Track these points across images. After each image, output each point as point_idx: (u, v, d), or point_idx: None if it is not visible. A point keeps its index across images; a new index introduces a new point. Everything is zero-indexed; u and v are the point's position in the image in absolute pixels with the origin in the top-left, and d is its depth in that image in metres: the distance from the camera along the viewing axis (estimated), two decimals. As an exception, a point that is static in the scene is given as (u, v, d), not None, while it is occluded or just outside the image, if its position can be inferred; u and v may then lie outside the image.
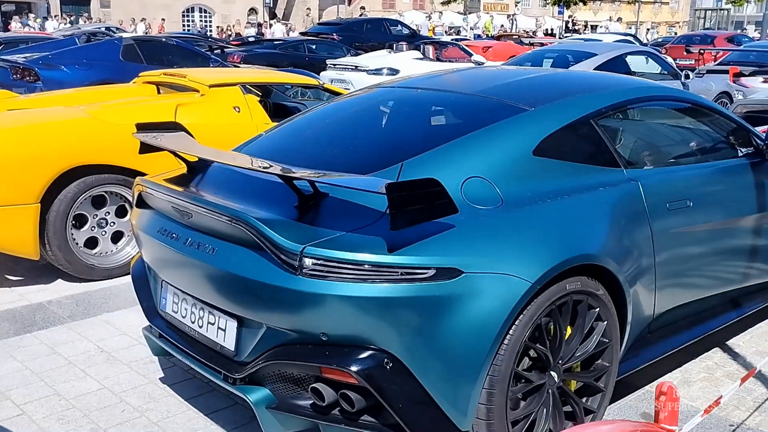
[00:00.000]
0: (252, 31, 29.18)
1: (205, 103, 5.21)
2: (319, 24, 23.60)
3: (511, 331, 2.41)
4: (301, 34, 22.68)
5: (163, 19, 35.48)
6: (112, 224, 4.70)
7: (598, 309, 2.71)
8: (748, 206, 3.48)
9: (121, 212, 4.73)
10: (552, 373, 2.63)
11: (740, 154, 3.56)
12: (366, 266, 2.28)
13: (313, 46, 16.74)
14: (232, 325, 2.60)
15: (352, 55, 15.53)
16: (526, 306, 2.43)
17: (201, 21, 41.53)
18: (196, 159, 3.13)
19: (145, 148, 3.25)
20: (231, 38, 24.71)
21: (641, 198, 2.95)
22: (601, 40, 17.12)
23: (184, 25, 39.52)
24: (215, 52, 14.10)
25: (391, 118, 3.25)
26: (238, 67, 11.18)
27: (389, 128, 3.16)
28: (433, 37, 26.63)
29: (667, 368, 3.51)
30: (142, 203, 3.07)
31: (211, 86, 5.33)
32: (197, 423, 3.02)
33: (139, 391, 3.27)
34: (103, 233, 4.68)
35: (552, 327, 2.58)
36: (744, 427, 3.04)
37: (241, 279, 2.45)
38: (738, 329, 3.93)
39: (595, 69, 8.87)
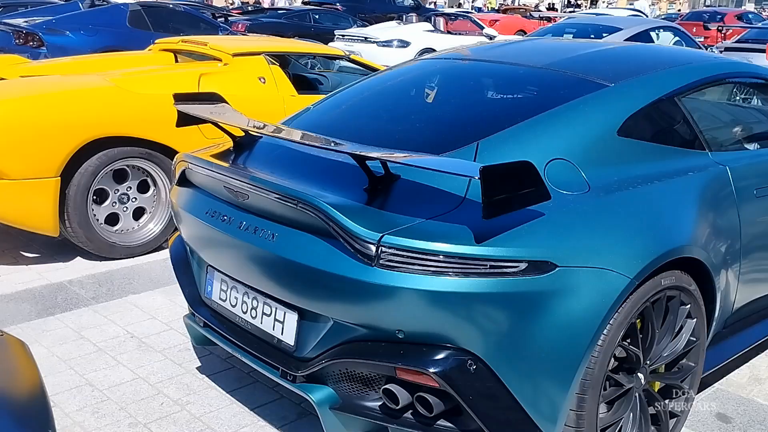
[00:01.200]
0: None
1: (230, 73, 4.93)
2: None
3: (605, 331, 2.19)
4: (305, 3, 22.19)
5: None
6: (133, 200, 4.45)
7: (689, 306, 2.49)
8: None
9: (142, 187, 4.48)
10: (639, 374, 2.41)
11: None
12: (450, 258, 2.04)
13: (318, 16, 16.35)
14: (292, 317, 2.37)
15: (358, 26, 15.16)
16: (623, 303, 2.20)
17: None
18: (243, 134, 2.88)
19: (184, 121, 2.99)
20: (232, 6, 24.20)
21: (730, 183, 2.73)
22: (611, 15, 16.77)
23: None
24: (219, 20, 13.71)
25: (455, 93, 2.99)
26: (245, 35, 10.83)
27: (455, 104, 2.90)
28: (434, 8, 26.18)
29: (735, 365, 3.31)
30: (184, 181, 2.81)
31: (234, 55, 5.05)
32: (243, 419, 2.81)
33: (177, 382, 3.05)
34: (125, 209, 4.43)
35: (645, 326, 2.36)
36: (828, 431, 2.84)
37: (306, 268, 2.21)
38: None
39: (621, 44, 8.59)
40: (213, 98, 3.17)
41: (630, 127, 2.60)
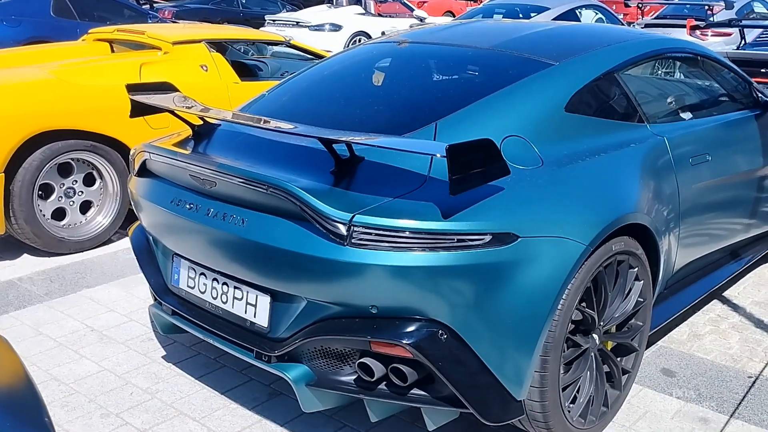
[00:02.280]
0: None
1: (171, 62, 4.89)
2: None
3: (564, 296, 2.33)
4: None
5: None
6: (80, 193, 4.39)
7: (637, 269, 2.67)
8: (754, 159, 3.50)
9: (88, 180, 4.42)
10: (594, 335, 2.58)
11: (744, 107, 3.56)
12: (418, 234, 2.14)
13: (246, 1, 16.13)
14: (265, 300, 2.43)
15: (288, 10, 15.05)
16: (579, 269, 2.35)
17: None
18: (201, 122, 2.91)
19: (138, 111, 2.99)
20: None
21: (668, 153, 2.92)
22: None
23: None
24: (143, 6, 13.39)
25: (409, 75, 3.07)
26: (176, 23, 10.63)
27: (411, 86, 2.99)
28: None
29: (675, 324, 3.54)
30: (145, 171, 2.82)
31: (174, 43, 5.01)
32: (215, 402, 2.86)
33: (144, 372, 3.07)
34: (71, 203, 4.36)
35: (599, 289, 2.51)
36: (762, 378, 3.09)
37: (278, 251, 2.27)
38: (731, 281, 4.01)
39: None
40: (166, 87, 3.17)
41: (575, 103, 2.74)
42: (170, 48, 4.99)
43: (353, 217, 2.14)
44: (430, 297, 2.19)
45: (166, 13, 13.78)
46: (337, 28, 11.90)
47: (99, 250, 4.41)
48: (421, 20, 12.39)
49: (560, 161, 2.51)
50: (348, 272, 2.17)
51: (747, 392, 2.98)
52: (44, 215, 4.22)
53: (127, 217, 4.54)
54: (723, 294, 3.88)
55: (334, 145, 2.32)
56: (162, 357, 3.19)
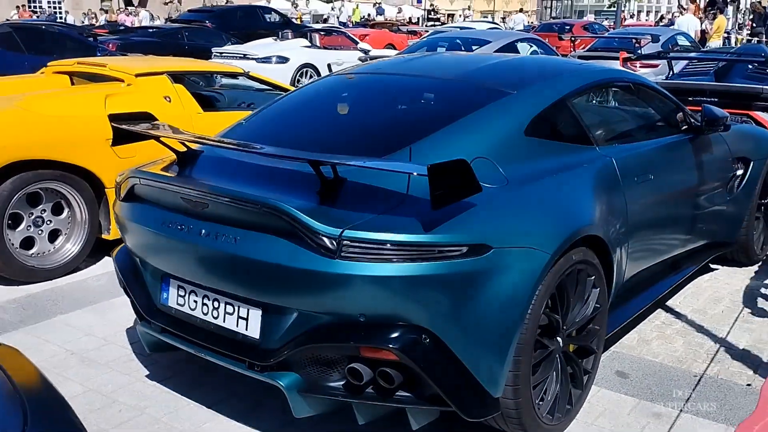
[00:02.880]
0: (104, 19, 27.67)
1: (135, 93, 5.00)
2: (189, 11, 22.76)
3: (533, 301, 2.57)
4: (171, 21, 21.87)
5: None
6: (48, 222, 4.45)
7: (594, 277, 2.93)
8: (690, 178, 3.85)
9: (56, 210, 4.48)
10: (559, 338, 2.82)
11: (680, 131, 3.92)
12: (402, 246, 2.35)
13: (190, 34, 16.21)
14: (256, 313, 2.60)
15: (232, 43, 15.19)
16: (546, 277, 2.60)
17: (49, 6, 38.83)
18: (184, 148, 3.07)
19: (120, 139, 3.14)
20: (98, 25, 23.40)
21: (616, 173, 3.21)
22: (473, 28, 17.77)
23: (31, 12, 36.76)
24: (89, 39, 13.35)
25: (382, 103, 3.31)
26: (126, 55, 10.67)
27: (384, 113, 3.22)
28: (302, 24, 26.47)
29: (625, 331, 3.83)
30: (133, 196, 2.96)
31: (137, 75, 5.13)
32: (202, 415, 2.98)
33: (129, 390, 3.17)
34: (40, 232, 4.42)
35: (562, 295, 2.76)
36: (706, 376, 3.38)
37: (271, 266, 2.45)
38: (673, 291, 4.33)
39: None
40: (146, 117, 3.32)
41: (533, 128, 3.02)
42: (133, 80, 5.10)
43: (342, 232, 2.34)
44: (414, 304, 2.40)
45: (110, 45, 13.76)
46: (284, 60, 12.13)
47: (69, 277, 4.46)
48: (365, 52, 12.72)
49: (523, 180, 2.77)
50: (338, 283, 2.37)
51: (693, 389, 3.27)
52: (13, 244, 4.27)
53: (96, 245, 4.62)
54: (666, 303, 4.20)
55: (320, 168, 2.53)
56: (145, 376, 3.29)
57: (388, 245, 2.34)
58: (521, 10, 40.11)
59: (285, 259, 2.43)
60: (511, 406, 2.60)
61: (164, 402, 3.08)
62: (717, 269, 4.77)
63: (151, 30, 16.58)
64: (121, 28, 20.38)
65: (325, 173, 2.53)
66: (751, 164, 4.48)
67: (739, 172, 4.45)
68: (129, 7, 33.65)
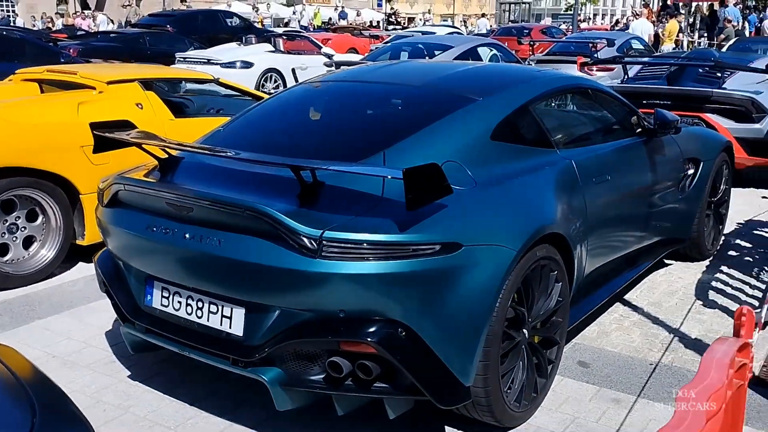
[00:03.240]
0: (60, 23, 27.29)
1: (107, 100, 5.07)
2: (149, 15, 22.60)
3: (501, 295, 2.74)
4: (130, 25, 21.70)
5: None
6: (23, 229, 4.50)
7: (556, 272, 3.12)
8: (645, 178, 4.08)
9: (31, 216, 4.54)
10: (524, 330, 3.00)
11: (634, 133, 4.15)
12: (380, 245, 2.51)
13: (152, 39, 16.14)
14: (240, 311, 2.73)
15: (195, 48, 15.18)
16: (512, 272, 2.78)
17: (1, 9, 38.08)
18: (165, 155, 3.18)
19: (101, 147, 3.24)
20: (54, 30, 23.09)
21: (575, 174, 3.41)
22: (434, 33, 18.02)
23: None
24: (51, 45, 13.23)
25: (354, 110, 3.47)
26: (90, 62, 10.64)
27: (357, 120, 3.38)
28: (264, 28, 26.48)
29: (585, 324, 4.03)
30: (116, 202, 3.06)
31: (109, 83, 5.20)
32: (186, 412, 3.10)
33: (113, 390, 3.26)
34: (14, 239, 4.47)
35: (527, 289, 2.95)
36: (661, 365, 3.61)
37: (254, 266, 2.58)
38: (629, 286, 4.56)
39: (454, 59, 9.49)
40: (125, 125, 3.43)
41: (498, 132, 3.20)
42: (105, 87, 5.17)
43: (323, 233, 2.49)
44: (390, 300, 2.56)
45: (71, 51, 13.65)
46: (248, 65, 12.20)
47: (44, 283, 4.52)
48: (329, 57, 12.86)
49: (490, 182, 2.95)
50: (319, 281, 2.51)
51: (649, 377, 3.48)
52: (-12, 251, 4.32)
53: (70, 251, 4.68)
54: (624, 297, 4.43)
55: (300, 172, 2.67)
56: (127, 377, 3.39)
57: (366, 245, 2.49)
58: (483, 15, 40.67)
59: (268, 259, 2.56)
60: (481, 394, 2.77)
61: (148, 401, 3.18)
62: (671, 264, 5.02)
63: (112, 35, 16.46)
64: (80, 32, 20.17)
65: (305, 177, 2.68)
66: (701, 164, 4.74)
67: (690, 171, 4.70)
68: (85, 11, 33.22)
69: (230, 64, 12.04)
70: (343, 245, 2.49)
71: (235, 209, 2.61)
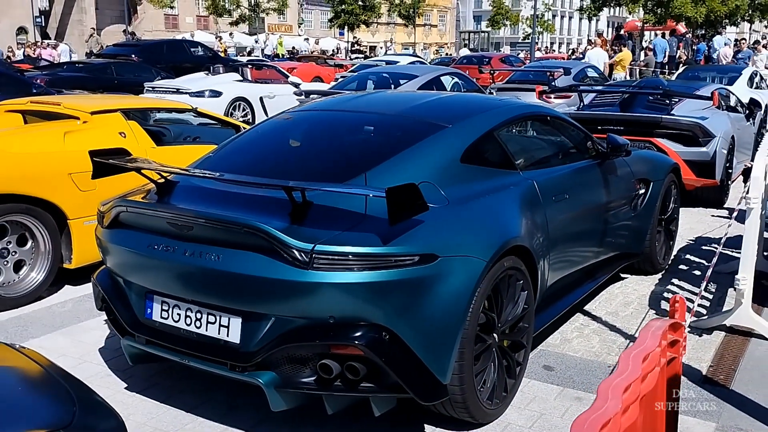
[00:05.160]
0: (20, 54, 27.20)
1: (92, 130, 5.29)
2: (114, 45, 22.73)
3: (474, 301, 3.05)
4: (97, 56, 21.78)
5: None
6: (13, 253, 4.69)
7: (522, 281, 3.44)
8: (599, 197, 4.45)
9: (21, 241, 4.73)
10: (495, 334, 3.31)
11: (589, 156, 4.53)
12: (365, 257, 2.80)
13: (117, 68, 16.27)
14: (236, 321, 2.98)
15: (162, 78, 15.37)
16: (483, 280, 3.09)
17: (-42, 41, 37.69)
18: (160, 179, 3.43)
19: (100, 173, 3.49)
20: (15, 60, 23.02)
21: (537, 193, 3.75)
22: (398, 62, 18.53)
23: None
24: (21, 75, 13.32)
25: (336, 137, 3.78)
26: (60, 92, 10.78)
27: (339, 145, 3.69)
28: (227, 57, 26.75)
29: (549, 332, 4.36)
30: (117, 223, 3.30)
31: (93, 113, 5.42)
32: (183, 418, 3.32)
33: (112, 401, 3.38)
34: (5, 263, 4.65)
35: (497, 297, 3.26)
36: (618, 366, 3.94)
37: (251, 278, 2.86)
38: (589, 297, 4.91)
39: (418, 89, 9.89)
40: (121, 152, 3.68)
41: (467, 156, 3.54)
42: (89, 117, 5.39)
43: (314, 246, 2.78)
44: (375, 306, 2.85)
45: (38, 80, 13.74)
46: (216, 94, 12.45)
47: (33, 305, 4.70)
48: (296, 86, 13.16)
49: (461, 200, 3.27)
50: (311, 290, 2.80)
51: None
52: (-20, 275, 4.49)
53: (57, 275, 4.87)
54: (584, 307, 4.78)
55: (275, 194, 2.96)
56: (125, 388, 3.60)
57: (352, 256, 2.79)
58: (466, 45, 41.51)
59: (263, 271, 2.84)
60: (458, 392, 3.06)
61: (146, 409, 3.40)
62: (626, 278, 5.40)
63: (78, 65, 16.56)
64: (45, 62, 20.18)
65: (296, 197, 2.97)
66: (651, 184, 5.14)
67: (641, 191, 5.10)
68: (46, 41, 33.15)
69: (199, 93, 12.27)
70: (332, 257, 2.78)
71: (233, 227, 2.88)
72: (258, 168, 3.56)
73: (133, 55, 19.37)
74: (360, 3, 47.95)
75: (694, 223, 7.09)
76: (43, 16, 41.94)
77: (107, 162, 3.38)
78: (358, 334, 2.84)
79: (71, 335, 4.24)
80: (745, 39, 25.14)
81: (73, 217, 4.85)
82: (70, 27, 42.68)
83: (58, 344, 4.12)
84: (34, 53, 26.07)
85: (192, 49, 21.82)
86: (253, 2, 43.11)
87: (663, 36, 26.20)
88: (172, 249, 3.05)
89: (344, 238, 2.84)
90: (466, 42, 61.44)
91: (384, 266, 2.82)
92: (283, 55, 33.32)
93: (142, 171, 3.35)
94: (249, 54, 34.11)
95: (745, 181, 4.40)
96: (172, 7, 45.22)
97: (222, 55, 28.93)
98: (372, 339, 2.84)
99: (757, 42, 22.69)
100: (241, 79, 13.38)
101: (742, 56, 19.69)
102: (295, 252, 2.79)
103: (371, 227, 2.90)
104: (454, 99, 4.16)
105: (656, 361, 1.65)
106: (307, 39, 40.61)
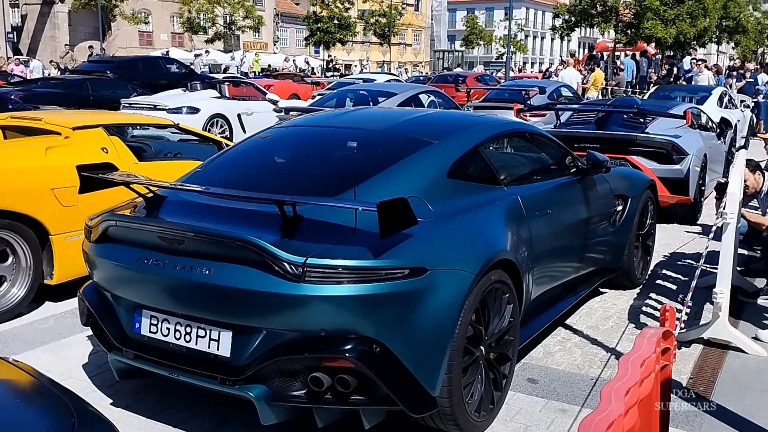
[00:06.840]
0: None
1: (74, 145, 5.27)
2: (89, 61, 22.58)
3: (462, 314, 3.09)
4: (70, 72, 21.63)
5: None
6: (-6, 269, 4.64)
7: (508, 294, 3.50)
8: (580, 213, 4.54)
9: (2, 257, 4.68)
10: (482, 347, 3.35)
11: (569, 172, 4.62)
12: (356, 270, 2.84)
13: (93, 85, 16.18)
14: (227, 334, 2.99)
15: (137, 94, 15.32)
16: (471, 293, 3.13)
17: (-74, 57, 37.15)
18: (148, 193, 3.44)
19: (87, 188, 3.49)
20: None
21: (521, 208, 3.82)
22: (375, 80, 18.66)
23: None
24: (-7, 91, 13.18)
25: (325, 152, 3.82)
26: (37, 108, 10.71)
27: (329, 161, 3.73)
28: (203, 74, 26.70)
29: (532, 345, 4.41)
30: (105, 237, 3.30)
31: (75, 129, 5.40)
32: (171, 434, 3.31)
33: (98, 417, 3.44)
34: (-14, 279, 4.60)
35: (484, 310, 3.31)
36: (601, 378, 4.00)
37: (242, 292, 2.87)
38: (570, 311, 4.98)
39: (397, 106, 9.98)
40: (108, 167, 3.69)
41: (454, 171, 3.60)
42: (70, 133, 5.37)
43: (306, 260, 2.81)
44: (366, 319, 2.88)
45: (13, 96, 13.62)
46: (194, 110, 12.44)
47: (13, 322, 4.64)
48: (274, 103, 13.21)
49: (448, 214, 3.33)
50: (303, 303, 2.82)
51: (591, 389, 3.87)
52: (-40, 291, 4.44)
53: (39, 290, 4.82)
54: (565, 321, 4.84)
55: (283, 206, 2.98)
56: (111, 404, 3.58)
57: (343, 269, 2.82)
58: (448, 69, 41.79)
59: (255, 285, 2.86)
60: (447, 404, 3.09)
61: (134, 424, 3.38)
62: (606, 292, 5.49)
63: (53, 81, 16.44)
64: (16, 78, 19.96)
65: (287, 211, 2.99)
66: (629, 200, 5.25)
67: (620, 207, 5.20)
68: (19, 57, 32.80)
69: (176, 110, 12.25)
70: (323, 270, 2.81)
71: (224, 240, 2.90)
72: (248, 182, 3.58)
73: (108, 72, 19.26)
74: (335, 21, 48.28)
75: (668, 239, 7.22)
76: (15, 32, 41.52)
77: (94, 176, 3.38)
78: (349, 346, 2.87)
79: (54, 351, 4.21)
80: (705, 60, 25.45)
81: (55, 232, 4.82)
82: (42, 43, 42.29)
83: (41, 360, 4.08)
84: (7, 68, 25.80)
85: (168, 66, 21.79)
86: (228, 20, 43.19)
87: (633, 57, 26.72)
88: (162, 263, 3.06)
89: (336, 251, 2.87)
90: (443, 61, 62.02)
91: (375, 279, 2.86)
92: (258, 72, 33.33)
93: (131, 185, 3.36)
94: (225, 71, 34.07)
95: (719, 197, 4.52)
96: (146, 23, 45.12)
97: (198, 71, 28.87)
98: (363, 352, 2.87)
99: (702, 60, 22.50)
100: (219, 95, 13.38)
101: (692, 74, 19.98)
102: (287, 265, 2.81)
103: (362, 241, 2.93)
104: (439, 115, 4.23)
105: (652, 366, 1.71)
106: (287, 59, 40.64)
